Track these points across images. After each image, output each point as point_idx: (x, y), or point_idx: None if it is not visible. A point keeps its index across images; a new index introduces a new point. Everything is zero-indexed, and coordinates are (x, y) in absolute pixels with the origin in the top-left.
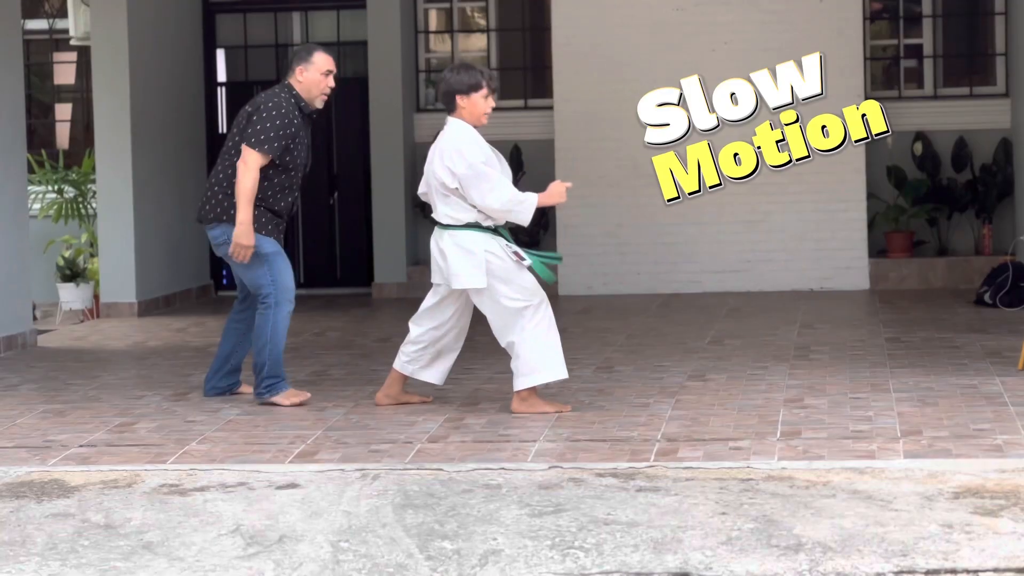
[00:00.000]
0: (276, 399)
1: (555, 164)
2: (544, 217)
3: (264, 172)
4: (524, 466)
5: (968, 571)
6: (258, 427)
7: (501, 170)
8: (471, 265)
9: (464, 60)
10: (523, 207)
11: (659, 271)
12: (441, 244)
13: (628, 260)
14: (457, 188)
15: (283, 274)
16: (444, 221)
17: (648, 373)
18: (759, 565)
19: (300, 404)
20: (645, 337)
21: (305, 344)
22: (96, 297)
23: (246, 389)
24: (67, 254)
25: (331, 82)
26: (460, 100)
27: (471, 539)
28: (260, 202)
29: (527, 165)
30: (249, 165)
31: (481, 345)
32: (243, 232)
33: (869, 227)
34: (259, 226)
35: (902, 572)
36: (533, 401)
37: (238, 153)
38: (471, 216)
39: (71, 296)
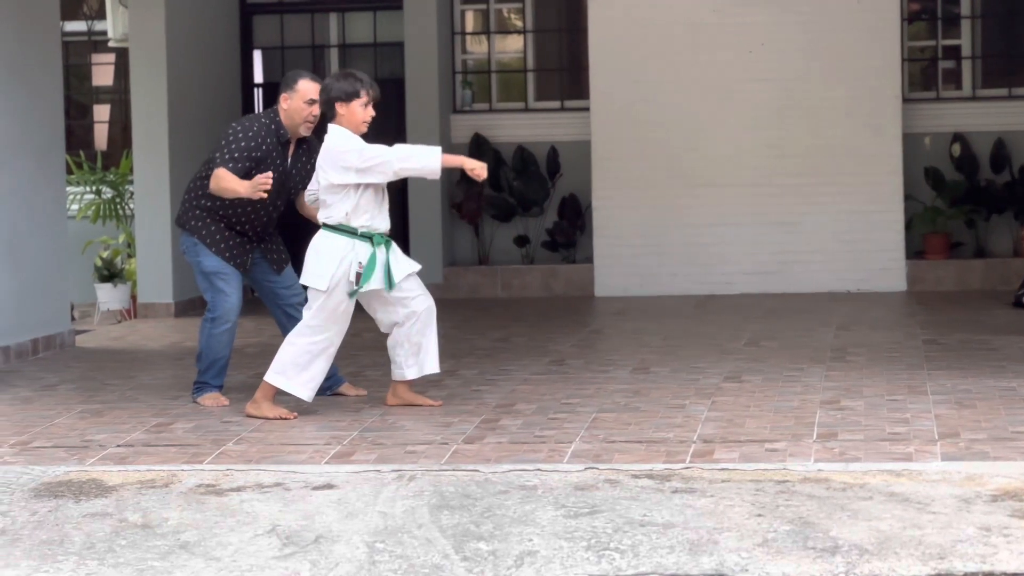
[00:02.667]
0: (199, 400)
1: (591, 165)
2: (580, 219)
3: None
4: (560, 467)
5: (1006, 574)
6: (294, 428)
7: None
8: (320, 265)
9: (347, 69)
10: (430, 154)
11: (695, 272)
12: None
13: (664, 261)
14: (344, 185)
15: (223, 295)
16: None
17: (684, 374)
18: (795, 567)
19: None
20: (681, 338)
21: (341, 345)
22: (133, 297)
23: (348, 390)
24: (105, 255)
25: (315, 110)
26: (339, 107)
27: (507, 540)
28: (220, 217)
29: (564, 167)
30: (218, 178)
31: (518, 346)
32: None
33: (906, 228)
34: (211, 241)
35: (939, 575)
36: (264, 405)
37: (209, 170)
38: (339, 217)
39: (109, 296)
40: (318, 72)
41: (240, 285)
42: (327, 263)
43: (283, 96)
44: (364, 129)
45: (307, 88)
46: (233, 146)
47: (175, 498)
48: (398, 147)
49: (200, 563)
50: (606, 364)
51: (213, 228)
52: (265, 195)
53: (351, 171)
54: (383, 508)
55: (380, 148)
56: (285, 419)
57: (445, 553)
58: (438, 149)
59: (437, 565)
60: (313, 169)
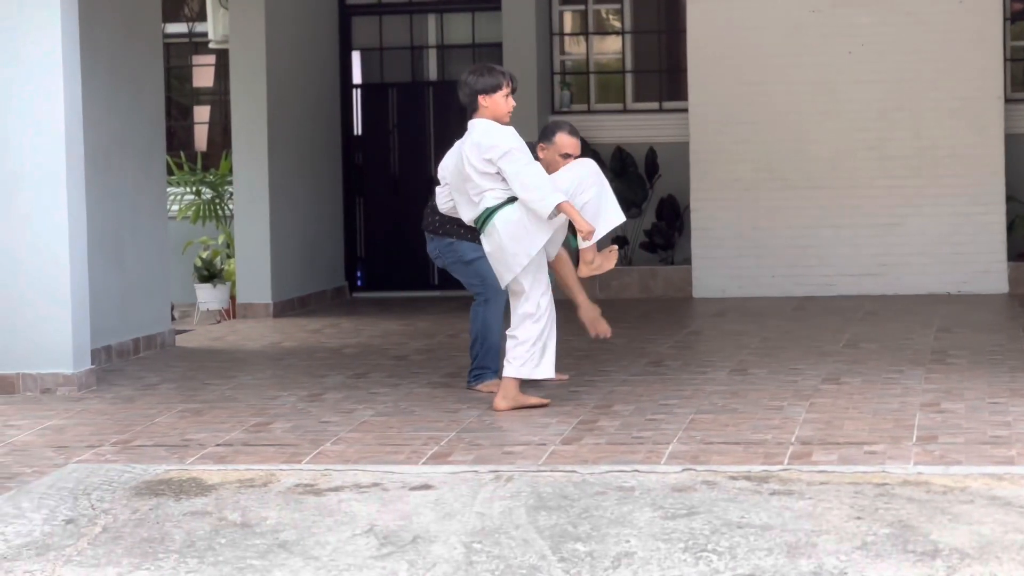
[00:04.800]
0: (479, 387)
1: (690, 167)
2: (679, 220)
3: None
4: (657, 468)
5: None
6: (392, 428)
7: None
8: (515, 246)
9: (483, 62)
10: (546, 201)
11: (794, 274)
12: (494, 236)
13: (763, 263)
14: (496, 173)
15: (490, 277)
16: (491, 203)
17: (782, 376)
18: (895, 571)
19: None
20: (779, 340)
21: (439, 346)
22: (232, 298)
23: (488, 387)
24: (204, 255)
25: (567, 163)
26: (483, 100)
27: (604, 541)
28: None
29: (662, 168)
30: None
31: (616, 347)
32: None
33: (1008, 230)
34: (464, 232)
35: None
36: (519, 397)
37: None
38: (502, 195)
39: (208, 297)
40: (416, 73)
41: None
42: (519, 239)
43: (540, 146)
44: (508, 120)
45: (564, 143)
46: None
47: (274, 497)
48: (532, 173)
49: (299, 562)
50: (704, 365)
51: (464, 231)
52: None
53: (493, 163)
54: (480, 509)
55: (521, 163)
56: (543, 404)
57: (542, 554)
58: (558, 199)
59: (534, 566)
60: None
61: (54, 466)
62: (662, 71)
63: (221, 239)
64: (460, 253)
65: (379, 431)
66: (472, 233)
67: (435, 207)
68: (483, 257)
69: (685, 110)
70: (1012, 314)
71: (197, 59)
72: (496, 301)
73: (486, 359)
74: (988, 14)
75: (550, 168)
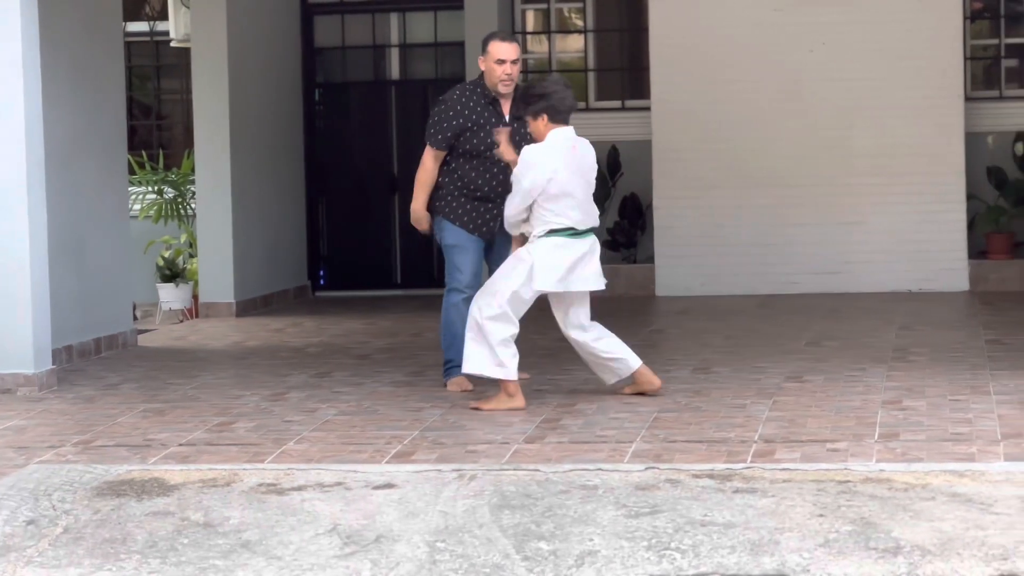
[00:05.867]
0: (448, 383)
1: (652, 165)
2: (641, 218)
3: (453, 161)
4: (621, 467)
5: None
6: (355, 427)
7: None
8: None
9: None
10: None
11: (757, 272)
12: (594, 246)
13: (725, 261)
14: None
15: (457, 270)
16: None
17: (745, 374)
18: (857, 568)
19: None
20: (743, 338)
21: (402, 345)
22: (195, 297)
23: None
24: (167, 254)
25: (507, 69)
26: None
27: (568, 540)
28: (460, 188)
29: (625, 166)
30: (422, 160)
31: None
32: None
33: (969, 228)
34: (454, 216)
35: None
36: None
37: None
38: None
39: (171, 296)
40: (379, 72)
41: (478, 260)
42: None
43: (480, 60)
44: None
45: (495, 50)
46: (435, 123)
47: (236, 497)
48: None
49: (262, 562)
50: (667, 364)
51: (455, 203)
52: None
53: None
54: (444, 508)
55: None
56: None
57: (506, 553)
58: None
59: (498, 565)
60: None
61: (14, 467)
62: (624, 70)
63: (183, 238)
64: (442, 234)
65: (342, 430)
66: (458, 216)
67: (438, 184)
68: (458, 246)
69: (647, 108)
70: (973, 311)
71: (159, 58)
72: (455, 294)
73: (450, 351)
74: (948, 13)
75: (490, 77)
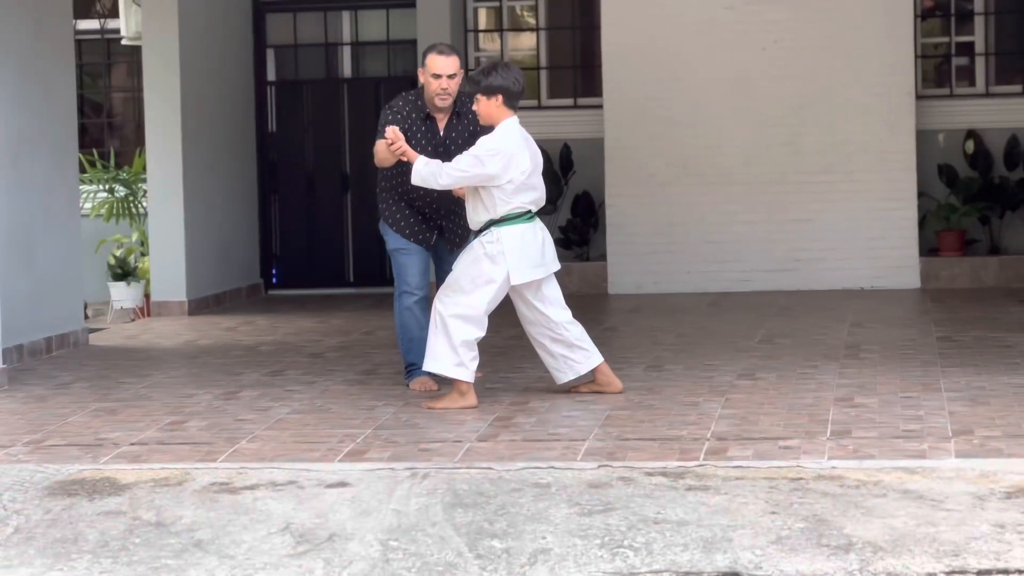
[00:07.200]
0: (411, 385)
1: (604, 163)
2: (594, 216)
3: (392, 168)
4: (574, 465)
5: (1020, 571)
6: (308, 426)
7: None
8: None
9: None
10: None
11: (709, 270)
12: (544, 231)
13: (678, 259)
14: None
15: (404, 270)
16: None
17: (698, 372)
18: (809, 565)
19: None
20: (695, 336)
21: (355, 343)
22: (147, 296)
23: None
24: (118, 253)
25: (443, 83)
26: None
27: (521, 538)
28: (400, 196)
29: (577, 164)
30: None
31: (531, 345)
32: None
33: (920, 226)
34: (392, 221)
35: (953, 572)
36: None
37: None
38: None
39: (122, 295)
40: (331, 70)
41: (423, 261)
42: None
43: (420, 71)
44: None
45: (432, 64)
46: (381, 127)
47: (189, 496)
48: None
49: (214, 561)
50: (620, 362)
51: (395, 209)
52: (403, 157)
53: None
54: (397, 506)
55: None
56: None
57: (459, 551)
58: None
59: (451, 563)
60: (474, 140)
61: None
62: (576, 67)
63: (135, 237)
64: (386, 238)
65: (295, 429)
66: (396, 222)
67: (381, 185)
68: (401, 249)
69: (599, 106)
70: (924, 309)
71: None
72: (402, 298)
73: (410, 355)
74: (900, 11)
75: (427, 91)
